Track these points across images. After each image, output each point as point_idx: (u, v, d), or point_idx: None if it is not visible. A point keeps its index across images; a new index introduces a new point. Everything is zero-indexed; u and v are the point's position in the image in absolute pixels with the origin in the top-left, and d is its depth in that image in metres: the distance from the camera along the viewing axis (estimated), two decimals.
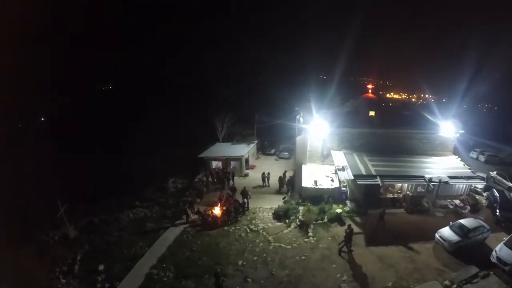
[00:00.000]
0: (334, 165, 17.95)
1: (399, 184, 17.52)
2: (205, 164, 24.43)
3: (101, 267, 12.41)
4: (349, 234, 12.29)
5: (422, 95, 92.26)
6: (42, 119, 56.98)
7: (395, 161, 17.74)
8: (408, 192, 17.22)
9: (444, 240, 12.72)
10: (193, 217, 16.20)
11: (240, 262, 12.28)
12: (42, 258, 13.31)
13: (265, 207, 17.72)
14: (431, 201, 16.51)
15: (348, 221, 14.74)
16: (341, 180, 17.46)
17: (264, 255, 12.73)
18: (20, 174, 24.70)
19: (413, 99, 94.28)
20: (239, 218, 16.31)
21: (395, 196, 17.26)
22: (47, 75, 65.11)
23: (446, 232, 13.04)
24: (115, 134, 38.88)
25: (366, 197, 16.44)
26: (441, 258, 12.12)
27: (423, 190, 17.00)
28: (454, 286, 10.40)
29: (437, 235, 13.15)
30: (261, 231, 14.74)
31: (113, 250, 13.94)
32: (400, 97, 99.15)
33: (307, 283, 10.97)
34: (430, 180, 15.33)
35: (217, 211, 16.18)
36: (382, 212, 14.25)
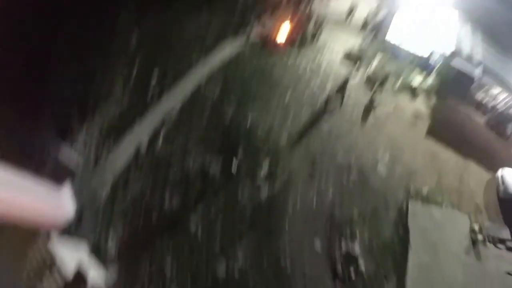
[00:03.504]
0: None
1: None
2: None
3: (154, 77, 11.92)
4: None
5: None
6: None
7: None
8: None
9: (503, 182, 10.70)
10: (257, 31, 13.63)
11: (288, 96, 11.20)
12: None
13: (338, 46, 14.17)
14: None
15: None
16: None
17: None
18: None
19: None
20: (304, 50, 13.51)
21: None
22: None
23: (509, 175, 10.78)
24: None
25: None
26: (488, 197, 10.66)
27: None
28: (480, 236, 9.57)
29: (499, 172, 11.10)
30: (322, 72, 12.49)
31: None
32: None
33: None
34: None
35: (284, 31, 13.33)
36: None
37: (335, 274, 8.32)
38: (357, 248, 8.54)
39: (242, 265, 8.44)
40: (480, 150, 11.91)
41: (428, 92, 12.85)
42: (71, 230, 9.77)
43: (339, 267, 8.35)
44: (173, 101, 11.40)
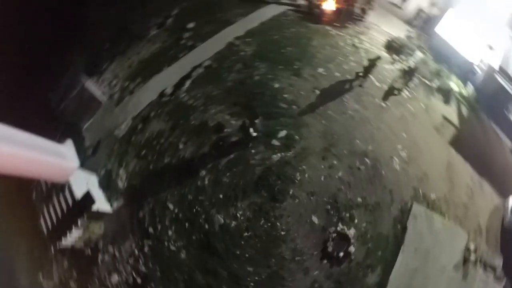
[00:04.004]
0: None
1: None
2: None
3: (191, 25, 11.86)
4: None
5: None
6: None
7: None
8: None
9: (510, 212, 10.34)
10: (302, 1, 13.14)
11: (320, 70, 10.93)
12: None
13: (385, 29, 13.58)
14: None
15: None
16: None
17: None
18: None
19: None
20: (348, 25, 12.94)
21: None
22: None
23: None
24: None
25: None
26: (492, 222, 10.29)
27: None
28: (474, 256, 9.38)
29: (509, 201, 10.65)
30: (361, 52, 12.02)
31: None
32: None
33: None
34: None
35: (330, 4, 12.65)
36: None
37: (325, 250, 8.59)
38: (352, 232, 8.72)
39: (238, 224, 8.78)
40: (498, 172, 11.56)
41: (462, 100, 12.35)
42: (86, 160, 10.32)
43: (330, 244, 8.59)
44: (204, 53, 11.40)
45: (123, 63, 11.99)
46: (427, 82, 11.88)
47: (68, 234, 8.73)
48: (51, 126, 10.45)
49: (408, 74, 11.69)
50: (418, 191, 9.64)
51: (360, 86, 10.98)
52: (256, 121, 9.23)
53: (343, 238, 8.67)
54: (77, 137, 10.89)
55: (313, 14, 12.70)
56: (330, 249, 8.57)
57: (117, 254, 9.10)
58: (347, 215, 8.82)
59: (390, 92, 11.11)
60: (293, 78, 10.46)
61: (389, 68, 11.79)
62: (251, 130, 9.23)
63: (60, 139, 10.58)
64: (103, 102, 11.20)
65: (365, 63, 11.50)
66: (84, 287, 9.09)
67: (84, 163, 10.11)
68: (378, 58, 11.86)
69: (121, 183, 9.71)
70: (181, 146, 9.70)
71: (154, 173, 9.59)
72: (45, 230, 9.10)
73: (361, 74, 11.14)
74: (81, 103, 10.84)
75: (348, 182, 9.11)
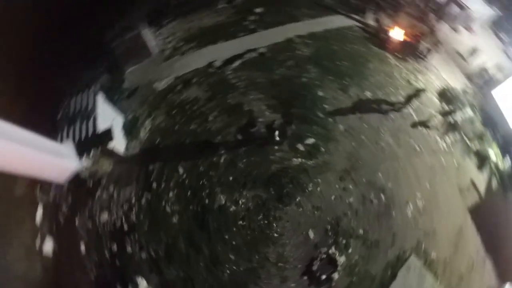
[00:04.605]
0: None
1: None
2: None
3: (258, 10, 12.11)
4: None
5: None
6: None
7: None
8: None
9: None
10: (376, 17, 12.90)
11: (367, 93, 10.71)
12: None
13: (443, 76, 12.92)
14: None
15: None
16: None
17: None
18: None
19: None
20: (409, 60, 12.42)
21: None
22: None
23: None
24: None
25: None
26: None
27: None
28: None
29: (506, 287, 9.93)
30: (413, 90, 11.50)
31: None
32: None
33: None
34: None
35: (398, 33, 12.32)
36: None
37: (309, 267, 8.47)
38: (342, 259, 8.57)
39: (237, 210, 8.81)
40: (506, 256, 11.07)
41: (496, 172, 11.82)
42: (119, 101, 10.57)
43: (316, 263, 8.48)
44: (263, 40, 11.45)
45: (183, 25, 12.23)
46: (467, 141, 11.38)
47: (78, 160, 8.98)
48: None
49: (451, 127, 11.26)
50: (421, 244, 9.32)
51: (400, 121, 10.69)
52: (288, 127, 9.11)
53: (331, 262, 8.51)
54: (117, 76, 11.25)
55: (378, 37, 12.43)
56: (314, 268, 8.45)
57: (115, 195, 9.33)
58: (344, 241, 8.66)
59: (428, 140, 10.70)
60: (339, 92, 10.33)
61: (435, 115, 11.41)
62: (277, 133, 9.13)
63: (103, 72, 10.98)
64: (153, 54, 11.49)
65: (414, 102, 11.21)
66: (74, 214, 9.36)
67: (117, 103, 10.43)
68: (428, 101, 11.52)
69: (143, 133, 9.93)
70: (210, 118, 9.80)
71: (177, 135, 9.74)
72: None
73: (405, 109, 10.88)
74: (132, 48, 11.09)
75: (357, 210, 8.93)
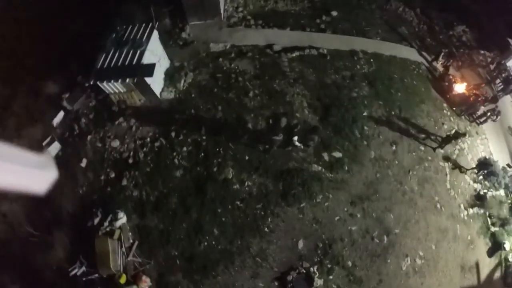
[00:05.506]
0: None
1: None
2: None
3: (334, 13, 12.27)
4: None
5: None
6: None
7: None
8: None
9: None
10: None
11: (399, 129, 10.18)
12: None
13: (490, 147, 12.15)
14: None
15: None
16: None
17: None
18: None
19: None
20: (463, 117, 11.90)
21: None
22: None
23: None
24: None
25: None
26: None
27: None
28: None
29: None
30: (455, 147, 10.85)
31: None
32: None
33: None
34: None
35: (463, 88, 11.82)
36: None
37: (285, 275, 8.09)
38: (319, 282, 8.14)
39: (239, 190, 8.51)
40: None
41: (504, 263, 11.05)
42: (172, 47, 10.72)
43: (293, 274, 8.10)
44: (328, 42, 11.32)
45: (259, 1, 12.34)
46: (489, 221, 10.73)
47: (112, 81, 9.01)
48: None
49: (480, 199, 10.61)
50: None
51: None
52: (315, 136, 8.33)
53: (308, 280, 8.09)
54: (177, 24, 11.32)
55: (442, 84, 12.02)
56: (289, 277, 8.07)
57: (133, 128, 9.36)
58: (329, 266, 8.21)
59: (451, 206, 10.09)
60: (383, 119, 9.97)
61: (468, 182, 10.86)
62: (295, 138, 8.46)
63: (166, 14, 11.02)
64: (221, 17, 11.55)
65: (452, 158, 10.69)
66: (89, 129, 9.58)
67: (169, 47, 10.50)
68: (466, 165, 10.96)
69: (183, 83, 9.92)
70: (250, 94, 9.64)
71: (213, 97, 9.64)
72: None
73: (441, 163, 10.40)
74: (202, 4, 11.09)
75: (354, 241, 8.47)
